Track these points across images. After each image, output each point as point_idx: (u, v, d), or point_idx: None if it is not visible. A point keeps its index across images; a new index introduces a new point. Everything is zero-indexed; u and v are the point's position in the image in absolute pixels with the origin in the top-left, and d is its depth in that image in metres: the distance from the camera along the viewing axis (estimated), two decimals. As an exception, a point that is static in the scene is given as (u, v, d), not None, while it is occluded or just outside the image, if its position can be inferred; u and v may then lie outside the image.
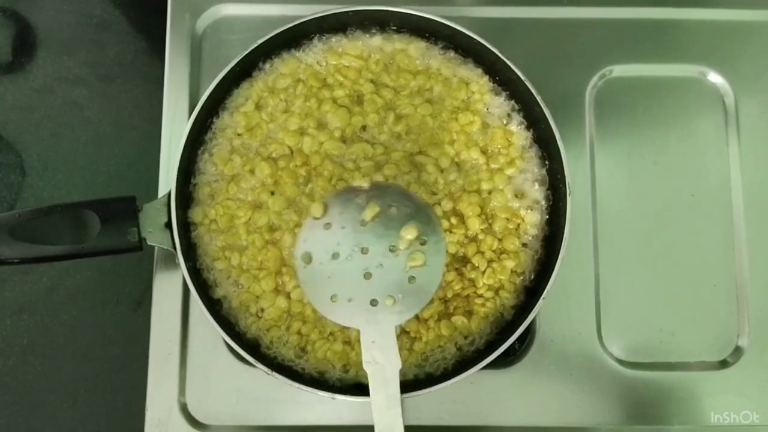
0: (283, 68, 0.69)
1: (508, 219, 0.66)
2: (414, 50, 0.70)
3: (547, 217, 0.67)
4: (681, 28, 0.79)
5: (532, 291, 0.66)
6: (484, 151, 0.67)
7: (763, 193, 0.75)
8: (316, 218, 0.62)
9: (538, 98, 0.65)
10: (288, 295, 0.65)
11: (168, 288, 0.71)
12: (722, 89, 0.77)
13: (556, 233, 0.66)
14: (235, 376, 0.70)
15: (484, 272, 0.65)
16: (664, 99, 0.77)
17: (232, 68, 0.67)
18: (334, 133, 0.67)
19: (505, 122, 0.69)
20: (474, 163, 0.67)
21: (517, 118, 0.69)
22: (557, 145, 0.65)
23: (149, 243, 0.64)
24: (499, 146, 0.68)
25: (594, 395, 0.71)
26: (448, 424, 0.70)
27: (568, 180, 0.64)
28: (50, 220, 0.62)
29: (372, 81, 0.69)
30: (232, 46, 0.77)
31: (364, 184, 0.63)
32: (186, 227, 0.66)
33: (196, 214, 0.66)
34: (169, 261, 0.71)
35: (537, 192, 0.67)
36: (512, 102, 0.69)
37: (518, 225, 0.66)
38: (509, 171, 0.67)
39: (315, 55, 0.69)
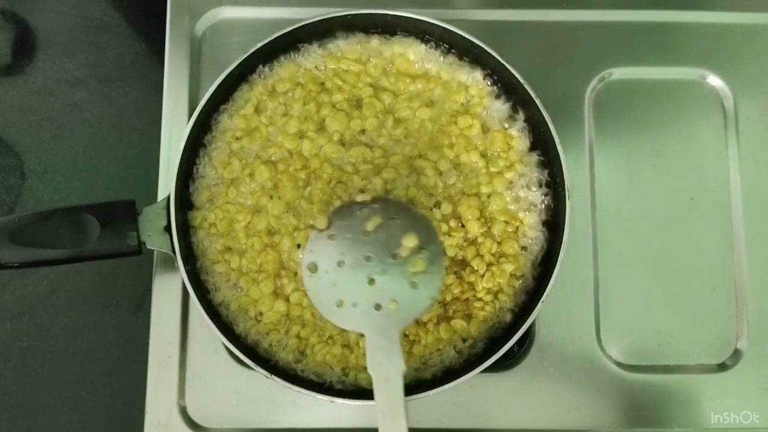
0: (283, 72, 0.69)
1: (507, 222, 0.66)
2: (413, 54, 0.70)
3: (547, 220, 0.67)
4: (680, 31, 0.79)
5: (531, 294, 0.66)
6: (483, 155, 0.67)
7: (763, 196, 0.75)
8: (320, 230, 0.63)
9: (538, 101, 0.65)
10: (287, 299, 0.65)
11: (167, 291, 0.71)
12: (721, 92, 0.77)
13: (555, 236, 0.66)
14: (234, 379, 0.70)
15: (483, 275, 0.65)
16: (664, 102, 0.77)
17: (231, 71, 0.67)
18: (333, 137, 0.67)
19: (504, 126, 0.69)
20: (473, 166, 0.67)
21: (516, 121, 0.69)
22: (556, 148, 0.65)
23: (149, 247, 0.64)
24: (498, 149, 0.68)
25: (593, 398, 0.71)
26: (448, 427, 0.70)
27: (567, 183, 0.64)
28: (50, 223, 0.62)
29: (371, 85, 0.69)
30: (231, 49, 0.77)
31: (366, 197, 0.64)
32: (185, 231, 0.66)
33: (195, 218, 0.66)
34: (169, 264, 0.71)
35: (536, 195, 0.67)
36: (512, 105, 0.69)
37: (517, 228, 0.67)
38: (508, 174, 0.67)
39: (314, 58, 0.69)
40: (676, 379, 0.71)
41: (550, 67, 0.77)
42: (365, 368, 0.63)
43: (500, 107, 0.69)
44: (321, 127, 0.67)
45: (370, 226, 0.63)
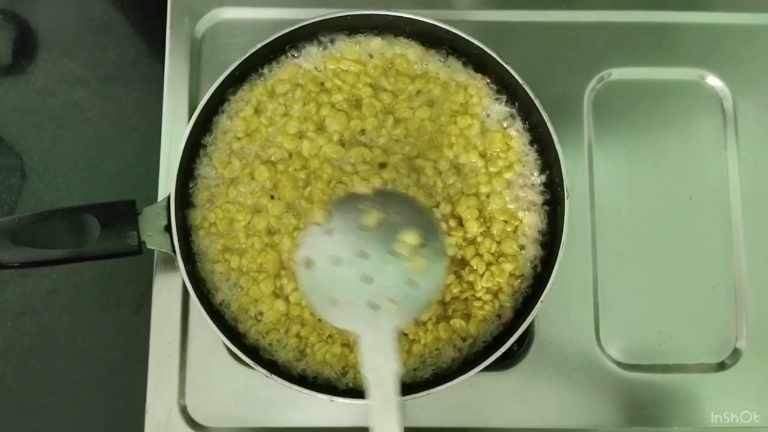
0: (282, 72, 0.69)
1: (506, 222, 0.66)
2: (412, 54, 0.70)
3: (546, 219, 0.67)
4: (679, 32, 0.79)
5: (530, 293, 0.66)
6: (482, 155, 0.68)
7: (762, 196, 0.75)
8: (318, 224, 0.61)
9: (537, 102, 0.66)
10: (287, 299, 0.65)
11: (168, 291, 0.71)
12: (721, 92, 0.78)
13: (554, 236, 0.66)
14: (234, 378, 0.70)
15: (482, 275, 0.65)
16: (663, 102, 0.77)
17: (231, 72, 0.67)
18: (333, 137, 0.67)
19: (503, 126, 0.69)
20: (473, 166, 0.67)
21: (515, 121, 0.69)
22: (555, 148, 0.65)
23: (149, 246, 0.64)
24: (497, 150, 0.68)
25: (593, 397, 0.71)
26: (447, 426, 0.70)
27: (566, 183, 0.64)
28: (50, 224, 0.62)
29: (371, 85, 0.69)
30: (231, 49, 0.77)
31: (367, 190, 0.62)
32: (186, 230, 0.66)
33: (195, 218, 0.67)
34: (169, 264, 0.71)
35: (535, 195, 0.67)
36: (511, 105, 0.69)
37: (516, 228, 0.67)
38: (508, 174, 0.67)
39: (314, 59, 0.70)
40: (675, 379, 0.72)
41: (550, 67, 0.77)
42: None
43: (499, 107, 0.69)
44: (321, 128, 0.68)
45: (369, 221, 0.60)
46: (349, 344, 0.65)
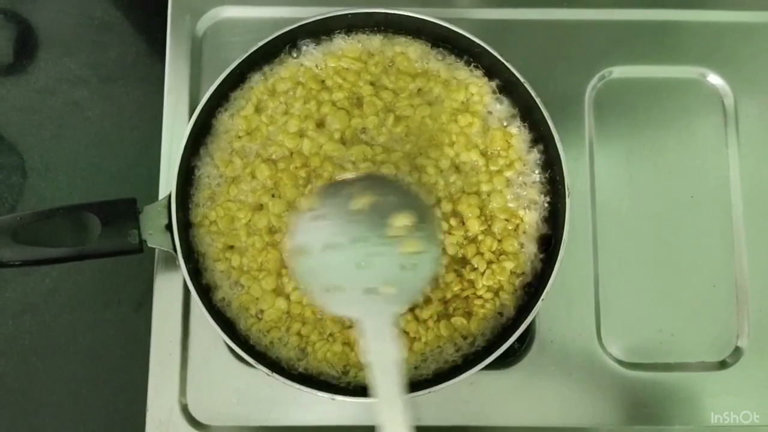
0: (283, 71, 0.69)
1: (507, 220, 0.66)
2: (413, 52, 0.70)
3: (547, 218, 0.67)
4: (680, 30, 0.79)
5: (531, 292, 0.66)
6: (483, 153, 0.68)
7: (763, 194, 0.75)
8: (308, 210, 0.60)
9: (538, 100, 0.65)
10: (288, 297, 0.65)
11: (169, 289, 0.72)
12: (722, 90, 0.77)
13: (555, 234, 0.66)
14: (235, 376, 0.70)
15: (483, 273, 0.65)
16: (664, 100, 0.77)
17: (232, 70, 0.67)
18: (333, 135, 0.67)
19: (504, 124, 0.69)
20: (473, 164, 0.67)
21: (516, 119, 0.69)
22: (556, 146, 0.65)
23: (150, 245, 0.64)
24: (498, 148, 0.68)
25: (594, 395, 0.71)
26: (448, 425, 0.70)
27: (567, 181, 0.64)
28: (51, 222, 0.62)
29: (371, 83, 0.69)
30: (232, 48, 0.77)
31: (353, 175, 0.62)
32: (186, 229, 0.66)
33: (196, 216, 0.67)
34: (170, 262, 0.71)
35: (536, 193, 0.67)
36: (512, 104, 0.69)
37: (517, 226, 0.67)
38: (508, 173, 0.67)
39: (314, 57, 0.70)
40: (676, 377, 0.72)
41: (550, 65, 0.77)
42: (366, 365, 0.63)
43: (500, 106, 0.69)
44: (321, 126, 0.68)
45: (359, 204, 0.59)
46: (349, 343, 0.65)
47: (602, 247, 0.74)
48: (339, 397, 0.62)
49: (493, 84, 0.70)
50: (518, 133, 0.68)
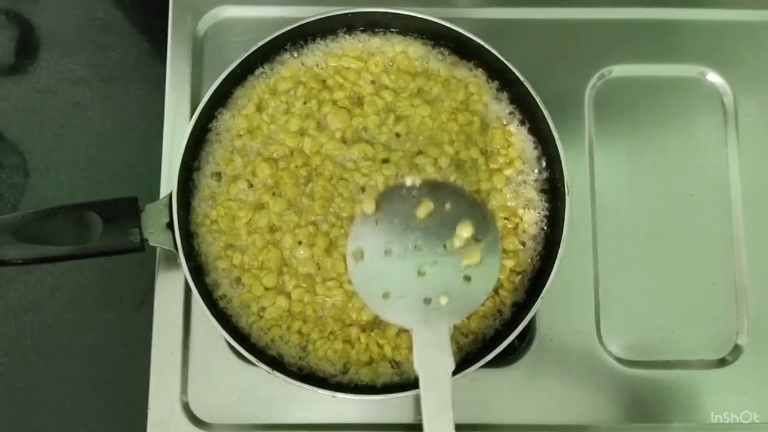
0: (284, 70, 0.69)
1: (507, 219, 0.67)
2: (413, 52, 0.70)
3: (546, 216, 0.67)
4: (680, 28, 0.79)
5: (531, 290, 0.67)
6: (483, 152, 0.68)
7: (762, 192, 0.75)
8: (367, 215, 0.60)
9: (537, 99, 0.66)
10: (288, 295, 0.65)
11: (170, 288, 0.72)
12: (721, 89, 0.78)
13: (555, 233, 0.66)
14: (236, 375, 0.70)
15: (483, 271, 0.65)
16: (663, 99, 0.77)
17: (232, 70, 0.67)
18: (334, 134, 0.67)
19: (504, 123, 0.69)
20: (473, 163, 0.67)
21: (516, 118, 0.69)
22: (556, 145, 0.65)
23: (151, 243, 0.64)
24: (498, 147, 0.68)
25: (594, 393, 0.71)
26: (449, 423, 0.70)
27: (566, 180, 0.65)
28: (53, 221, 0.62)
29: (372, 82, 0.69)
30: (233, 47, 0.77)
31: (417, 181, 0.61)
32: (187, 227, 0.67)
33: (197, 215, 0.67)
34: (171, 261, 0.71)
35: (536, 192, 0.68)
36: (511, 102, 0.69)
37: (517, 224, 0.67)
38: (508, 171, 0.67)
39: (315, 56, 0.70)
40: (676, 375, 0.72)
41: (550, 64, 0.77)
42: (366, 363, 0.64)
43: (500, 104, 0.69)
44: (322, 125, 0.68)
45: (421, 212, 0.59)
46: (350, 341, 0.65)
47: (602, 245, 0.74)
48: (340, 395, 0.62)
49: (493, 83, 0.70)
50: (518, 132, 0.69)
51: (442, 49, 0.71)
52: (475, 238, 0.59)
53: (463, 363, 0.64)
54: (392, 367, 0.65)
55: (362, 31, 0.71)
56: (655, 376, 0.71)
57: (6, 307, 0.76)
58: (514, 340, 0.63)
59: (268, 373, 0.62)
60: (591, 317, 0.72)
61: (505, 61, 0.67)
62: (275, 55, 0.70)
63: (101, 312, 0.76)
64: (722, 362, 0.72)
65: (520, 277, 0.66)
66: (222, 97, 0.69)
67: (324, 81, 0.69)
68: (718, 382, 0.71)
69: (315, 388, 0.62)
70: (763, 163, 0.76)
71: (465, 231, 0.59)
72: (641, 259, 0.74)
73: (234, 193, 0.67)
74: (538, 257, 0.67)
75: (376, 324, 0.65)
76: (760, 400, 0.71)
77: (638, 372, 0.72)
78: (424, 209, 0.60)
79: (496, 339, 0.64)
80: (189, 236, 0.66)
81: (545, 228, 0.67)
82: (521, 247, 0.66)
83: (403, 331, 0.64)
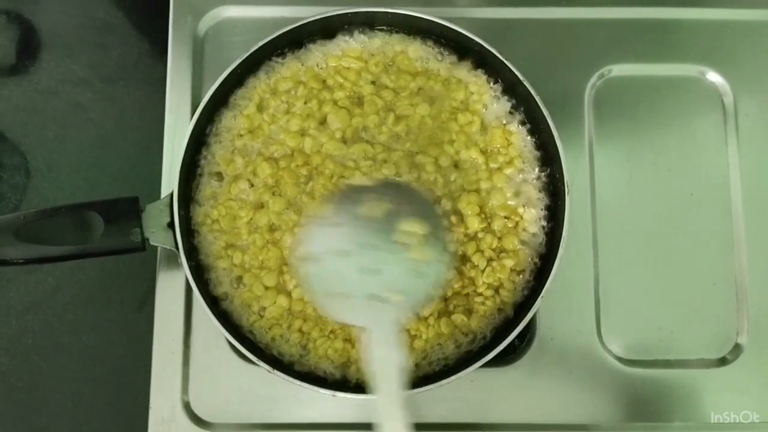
0: (284, 70, 0.70)
1: (507, 218, 0.67)
2: (413, 51, 0.70)
3: (547, 216, 0.68)
4: (680, 28, 0.79)
5: (531, 289, 0.67)
6: (483, 151, 0.68)
7: (762, 192, 0.75)
8: (317, 216, 0.60)
9: (537, 98, 0.66)
10: (289, 294, 0.65)
11: (171, 288, 0.72)
12: (721, 89, 0.78)
13: (555, 232, 0.66)
14: (237, 374, 0.70)
15: (483, 271, 0.65)
16: (663, 98, 0.77)
17: (233, 70, 0.67)
18: (335, 134, 0.67)
19: (504, 122, 0.69)
20: (473, 162, 0.68)
21: (516, 118, 0.69)
22: (556, 144, 0.65)
23: (152, 243, 0.64)
24: (498, 146, 0.68)
25: (594, 393, 0.71)
26: (449, 422, 0.70)
27: (566, 179, 0.65)
28: (54, 221, 0.62)
29: (372, 82, 0.69)
30: (233, 48, 0.77)
31: (368, 181, 0.62)
32: (188, 227, 0.67)
33: (198, 215, 0.67)
34: (172, 261, 0.72)
35: (536, 191, 0.68)
36: (511, 102, 0.69)
37: (517, 224, 0.67)
38: (508, 170, 0.67)
39: (315, 56, 0.70)
40: (676, 374, 0.72)
41: (550, 64, 0.77)
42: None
43: (500, 104, 0.69)
44: (322, 125, 0.68)
45: (369, 211, 0.59)
46: (350, 339, 0.65)
47: (602, 244, 0.74)
48: (340, 394, 0.62)
49: (493, 83, 0.70)
50: (518, 131, 0.69)
51: (442, 49, 0.71)
52: (425, 236, 0.59)
53: (463, 362, 0.65)
54: (392, 366, 0.65)
55: (362, 31, 0.71)
56: (656, 376, 0.72)
57: (7, 306, 0.76)
58: (514, 340, 0.63)
59: (269, 372, 0.62)
60: (591, 317, 0.72)
61: (505, 61, 0.67)
62: (276, 55, 0.70)
63: (102, 312, 0.76)
64: (722, 362, 0.72)
65: (520, 276, 0.66)
66: (223, 98, 0.69)
67: (324, 81, 0.69)
68: (718, 382, 0.72)
69: (315, 388, 0.62)
70: (763, 163, 0.76)
71: (411, 227, 0.59)
72: (641, 259, 0.74)
73: (235, 193, 0.67)
74: (538, 257, 0.67)
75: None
76: (760, 399, 0.71)
77: (638, 371, 0.72)
78: (375, 208, 0.59)
79: (496, 339, 0.64)
80: (190, 236, 0.67)
81: (545, 227, 0.67)
82: (521, 247, 0.66)
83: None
